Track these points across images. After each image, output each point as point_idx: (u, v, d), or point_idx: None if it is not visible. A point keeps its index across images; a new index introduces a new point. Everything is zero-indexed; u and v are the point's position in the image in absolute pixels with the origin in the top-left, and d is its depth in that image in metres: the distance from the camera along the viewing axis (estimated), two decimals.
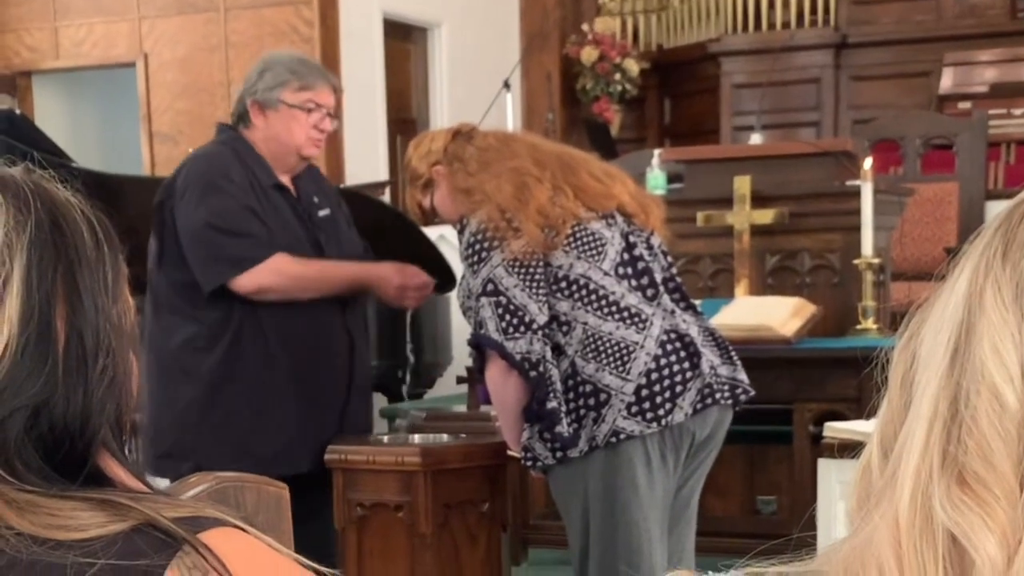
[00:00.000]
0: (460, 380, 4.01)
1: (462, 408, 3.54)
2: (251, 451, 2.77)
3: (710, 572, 0.67)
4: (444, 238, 4.98)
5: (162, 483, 2.26)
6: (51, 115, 7.85)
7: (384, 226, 4.45)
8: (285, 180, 2.91)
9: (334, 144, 6.93)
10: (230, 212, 2.78)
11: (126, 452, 0.89)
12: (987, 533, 0.57)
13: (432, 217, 2.77)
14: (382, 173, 7.40)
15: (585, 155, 2.72)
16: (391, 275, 2.95)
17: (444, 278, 4.92)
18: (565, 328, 2.51)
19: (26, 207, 0.86)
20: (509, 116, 6.67)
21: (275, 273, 2.79)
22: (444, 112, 7.93)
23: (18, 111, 5.47)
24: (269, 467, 2.66)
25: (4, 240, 0.84)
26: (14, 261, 0.84)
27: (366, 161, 7.31)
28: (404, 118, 7.95)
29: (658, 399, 2.47)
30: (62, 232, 0.87)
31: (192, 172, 2.83)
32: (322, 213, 2.96)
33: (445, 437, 2.95)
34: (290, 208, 2.89)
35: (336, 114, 2.98)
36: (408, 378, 4.71)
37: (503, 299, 2.49)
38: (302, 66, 2.91)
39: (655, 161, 4.50)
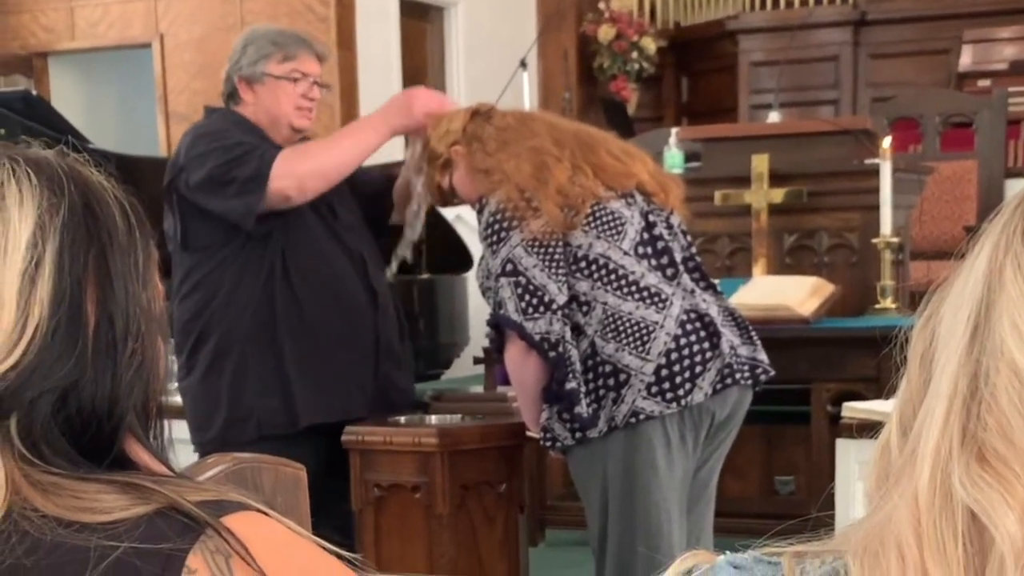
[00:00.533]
0: (477, 361, 4.00)
1: (479, 389, 3.53)
2: (300, 402, 2.79)
3: (728, 552, 0.66)
4: (461, 218, 4.97)
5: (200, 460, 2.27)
6: (67, 96, 7.86)
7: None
8: None
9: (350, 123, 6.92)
10: (227, 148, 2.77)
11: (151, 437, 0.90)
12: (1007, 510, 0.57)
13: (451, 197, 2.75)
14: (398, 153, 7.38)
15: (604, 134, 2.71)
16: (412, 97, 2.88)
17: (461, 259, 4.93)
18: (584, 308, 2.50)
19: (60, 190, 0.86)
20: (526, 95, 6.64)
21: (300, 158, 2.76)
22: (460, 91, 7.90)
23: (34, 92, 5.47)
24: (328, 413, 2.75)
25: (37, 222, 0.84)
26: (47, 244, 0.84)
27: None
28: None
29: (678, 379, 2.47)
30: (95, 216, 0.87)
31: (190, 140, 2.83)
32: None
33: (462, 418, 2.94)
34: None
35: (324, 82, 2.95)
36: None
37: (522, 279, 2.48)
38: (283, 37, 2.90)
39: (672, 140, 4.48)
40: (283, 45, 2.86)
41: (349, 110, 6.89)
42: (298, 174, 2.75)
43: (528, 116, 2.73)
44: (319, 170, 2.79)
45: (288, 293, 2.82)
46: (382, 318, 2.95)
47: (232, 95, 2.89)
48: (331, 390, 2.84)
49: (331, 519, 2.81)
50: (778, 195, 3.93)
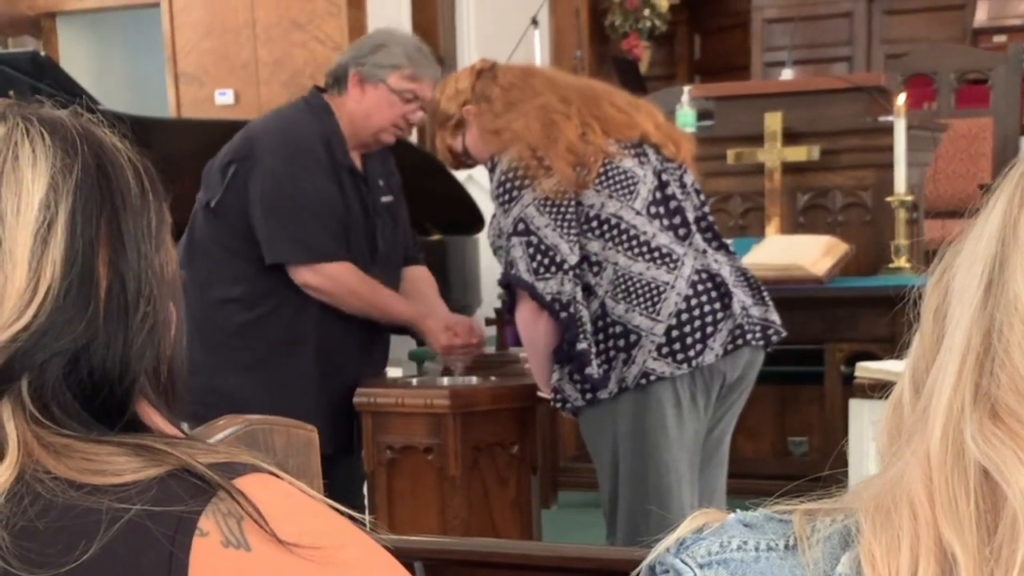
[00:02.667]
0: (489, 322, 4.01)
1: (491, 350, 3.53)
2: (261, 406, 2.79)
3: (738, 510, 0.66)
4: (472, 179, 4.95)
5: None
6: (76, 57, 7.83)
7: (412, 168, 4.42)
8: (355, 157, 2.86)
9: None
10: (317, 195, 2.74)
11: (163, 400, 0.89)
12: (1019, 466, 0.57)
13: (464, 159, 2.73)
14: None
15: (609, 87, 2.69)
16: (438, 333, 2.90)
17: (472, 220, 4.92)
18: (596, 268, 2.49)
19: (73, 150, 0.85)
20: (537, 54, 6.60)
21: (335, 281, 2.77)
22: (471, 50, 7.85)
23: (43, 53, 5.45)
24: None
25: (50, 183, 0.84)
26: (60, 204, 0.83)
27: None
28: None
29: (688, 340, 2.46)
30: (108, 177, 0.86)
31: (275, 140, 2.77)
32: (384, 199, 2.91)
33: (474, 379, 2.94)
34: (356, 192, 2.84)
35: (427, 109, 2.91)
36: None
37: (534, 239, 2.47)
38: (419, 54, 2.85)
39: (685, 98, 4.45)
40: (415, 63, 2.82)
41: None
42: (322, 287, 2.77)
43: (529, 72, 2.70)
44: (339, 301, 2.79)
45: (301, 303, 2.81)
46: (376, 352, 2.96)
47: (339, 82, 2.83)
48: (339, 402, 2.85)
49: (340, 481, 2.82)
50: (791, 153, 3.91)
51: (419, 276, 3.04)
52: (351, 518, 0.83)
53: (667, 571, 0.65)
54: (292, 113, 2.86)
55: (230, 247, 2.80)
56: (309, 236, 2.74)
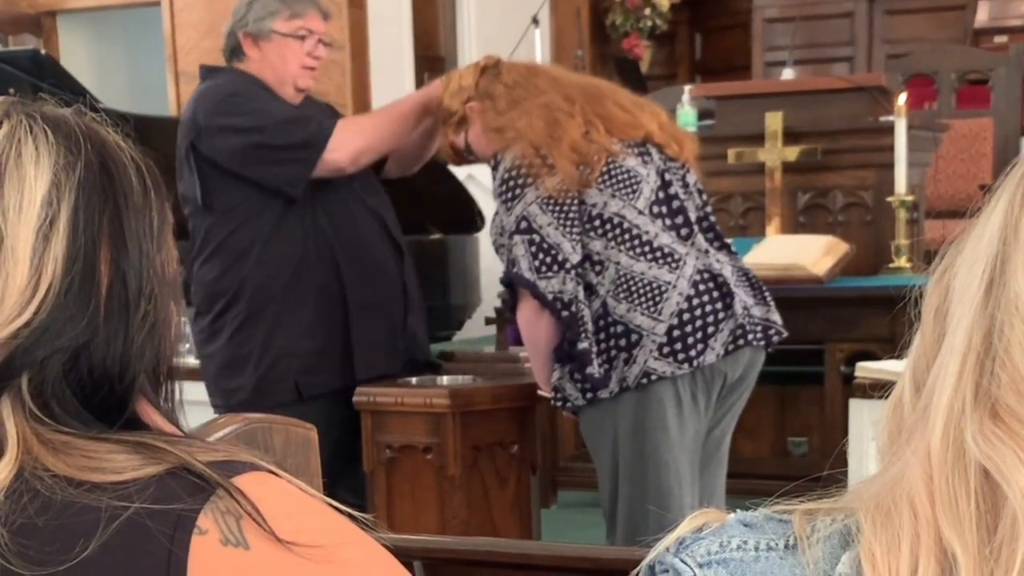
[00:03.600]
0: (489, 321, 4.00)
1: (491, 349, 3.53)
2: (338, 363, 2.80)
3: (738, 510, 0.65)
4: (472, 178, 4.95)
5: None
6: (76, 55, 7.82)
7: None
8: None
9: (360, 82, 6.88)
10: (274, 109, 2.75)
11: (163, 399, 0.89)
12: (1020, 466, 0.56)
13: (466, 155, 2.73)
14: None
15: (613, 86, 2.69)
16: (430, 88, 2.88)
17: (472, 218, 4.91)
18: (598, 268, 2.49)
19: (76, 148, 0.86)
20: (538, 53, 6.60)
21: (357, 134, 2.78)
22: (472, 49, 7.84)
23: (43, 51, 5.44)
24: (348, 374, 2.76)
25: (53, 180, 0.84)
26: (62, 202, 0.84)
27: (393, 100, 7.25)
28: (431, 55, 7.87)
29: (690, 340, 2.45)
30: (111, 175, 0.86)
31: (212, 101, 2.79)
32: None
33: (473, 379, 2.94)
34: None
35: (328, 40, 2.93)
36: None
37: (536, 237, 2.46)
38: None
39: (685, 97, 4.45)
40: (290, 3, 2.83)
41: (360, 69, 6.85)
42: (355, 148, 2.77)
43: (533, 70, 2.70)
44: (374, 145, 2.81)
45: (324, 253, 2.82)
46: (408, 274, 2.96)
47: (235, 52, 2.86)
48: (367, 351, 2.85)
49: (345, 480, 2.82)
50: (792, 153, 3.90)
51: None
52: (351, 517, 0.83)
53: (667, 571, 0.64)
54: (209, 83, 2.89)
55: (233, 232, 2.81)
56: (301, 135, 2.73)
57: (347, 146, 2.76)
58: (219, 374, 2.85)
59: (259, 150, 2.73)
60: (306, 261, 2.81)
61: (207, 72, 2.94)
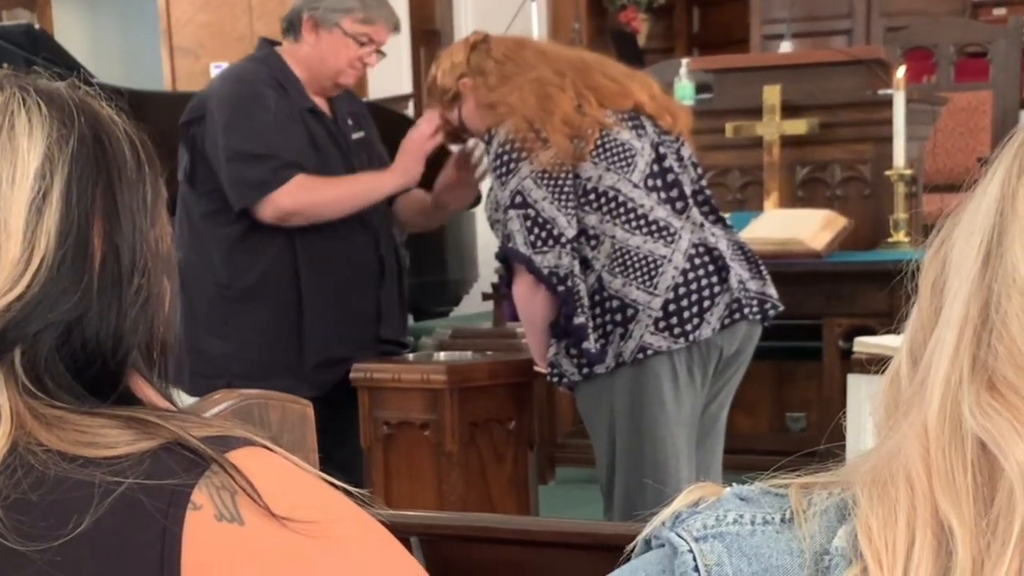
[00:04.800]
0: (486, 297, 3.99)
1: (488, 325, 3.53)
2: (280, 368, 2.77)
3: (734, 484, 0.65)
4: None
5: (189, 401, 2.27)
6: (70, 30, 7.79)
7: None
8: (319, 102, 2.86)
9: None
10: (255, 135, 2.74)
11: (156, 374, 0.89)
12: (1016, 439, 0.56)
13: (460, 133, 2.73)
14: (405, 86, 7.33)
15: (600, 57, 2.69)
16: (409, 164, 2.85)
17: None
18: (593, 242, 2.49)
19: (70, 121, 0.85)
20: (535, 26, 6.56)
21: (292, 196, 2.74)
22: (468, 23, 7.81)
23: (37, 26, 5.42)
24: (298, 386, 2.68)
25: (46, 154, 0.83)
26: (55, 175, 0.83)
27: (389, 74, 7.22)
28: (428, 29, 7.85)
29: (685, 314, 2.45)
30: (104, 149, 0.86)
31: (221, 92, 2.79)
32: (356, 136, 2.91)
33: (471, 354, 2.94)
34: (324, 131, 2.84)
35: (384, 52, 2.91)
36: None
37: (532, 211, 2.46)
38: None
39: (683, 71, 4.43)
40: (368, 6, 2.82)
41: None
42: (306, 203, 2.74)
43: (521, 44, 2.70)
44: (326, 209, 2.77)
45: (297, 250, 2.80)
46: (386, 248, 2.93)
47: (292, 27, 2.85)
48: (318, 341, 2.82)
49: (333, 457, 2.81)
50: (790, 127, 3.89)
51: (411, 194, 3.01)
52: (346, 492, 0.83)
53: (663, 545, 0.64)
54: (239, 65, 2.90)
55: (208, 212, 2.80)
56: (255, 173, 2.72)
57: (279, 203, 2.72)
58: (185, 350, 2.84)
59: (230, 161, 2.73)
60: (283, 252, 2.79)
61: (258, 45, 2.93)
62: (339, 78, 2.84)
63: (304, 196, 2.75)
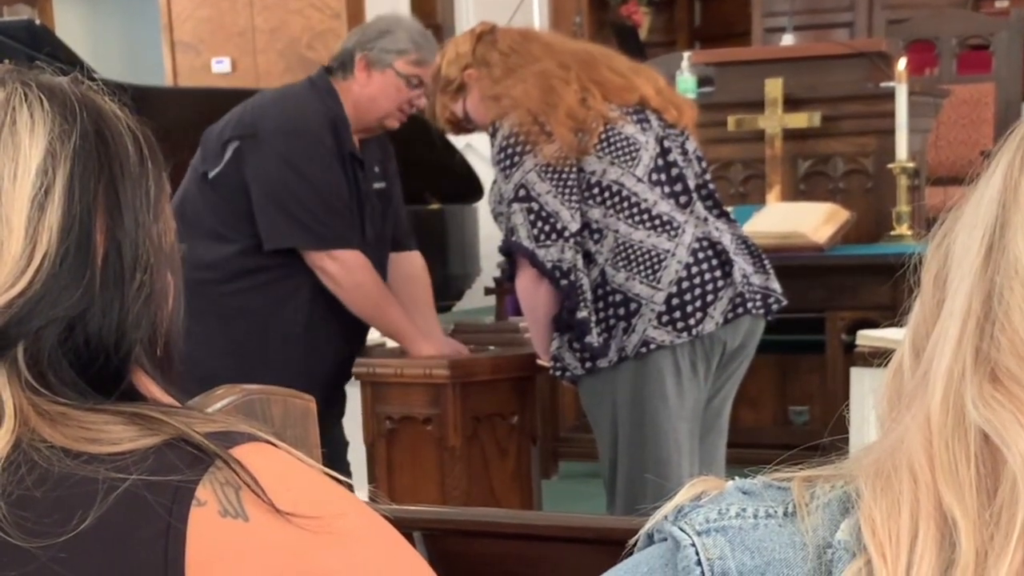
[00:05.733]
0: (488, 291, 3.99)
1: (491, 320, 3.53)
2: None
3: (737, 478, 0.65)
4: (471, 147, 4.93)
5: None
6: (71, 25, 7.79)
7: (411, 135, 4.39)
8: (357, 142, 2.83)
9: None
10: (326, 180, 2.71)
11: (159, 370, 0.88)
12: (1019, 430, 0.56)
13: (465, 124, 2.72)
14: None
15: (607, 51, 2.69)
16: (442, 348, 2.86)
17: (471, 188, 4.91)
18: (596, 236, 2.48)
19: (72, 116, 0.85)
20: (536, 19, 6.56)
21: (347, 270, 2.73)
22: (470, 17, 7.80)
23: (38, 22, 5.41)
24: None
25: (48, 149, 0.83)
26: (57, 171, 0.83)
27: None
28: (429, 23, 7.81)
29: (689, 308, 2.45)
30: (106, 144, 0.85)
31: (281, 121, 2.74)
32: (377, 186, 2.88)
33: (474, 349, 2.93)
34: (352, 175, 2.80)
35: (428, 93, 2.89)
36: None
37: (535, 205, 2.46)
38: (424, 39, 2.84)
39: (685, 64, 4.43)
40: (421, 49, 2.80)
41: None
42: (342, 280, 2.73)
43: (527, 36, 2.69)
44: (361, 300, 2.75)
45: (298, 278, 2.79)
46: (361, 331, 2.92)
47: (345, 66, 2.80)
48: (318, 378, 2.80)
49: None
50: (792, 120, 3.89)
51: (412, 271, 2.98)
52: (349, 487, 0.83)
53: (665, 539, 0.64)
54: (299, 93, 2.84)
55: (222, 220, 2.78)
56: (321, 223, 2.70)
57: (335, 269, 2.72)
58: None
59: (279, 197, 2.70)
60: (265, 285, 2.77)
61: (318, 74, 2.86)
62: (386, 120, 2.82)
63: (351, 278, 2.73)
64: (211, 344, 2.72)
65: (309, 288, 2.77)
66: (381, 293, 2.79)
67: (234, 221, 2.76)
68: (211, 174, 2.76)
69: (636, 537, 0.67)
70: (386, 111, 2.80)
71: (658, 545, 0.65)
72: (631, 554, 0.67)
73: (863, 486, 0.61)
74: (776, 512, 0.63)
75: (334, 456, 2.81)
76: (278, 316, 2.79)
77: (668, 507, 0.65)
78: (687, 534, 0.63)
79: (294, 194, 2.70)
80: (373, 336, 3.02)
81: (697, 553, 0.62)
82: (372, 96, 2.79)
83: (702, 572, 0.62)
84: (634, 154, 2.51)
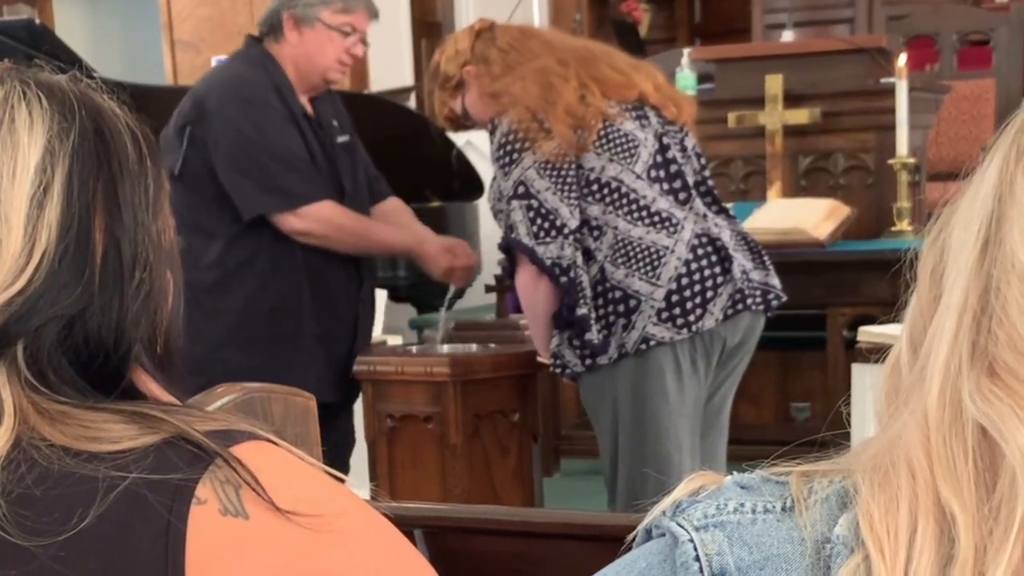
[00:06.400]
0: (488, 289, 4.00)
1: (491, 317, 3.53)
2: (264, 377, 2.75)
3: (735, 472, 0.65)
4: (471, 144, 4.93)
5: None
6: (71, 24, 7.78)
7: (410, 133, 4.40)
8: (305, 103, 2.84)
9: None
10: (281, 141, 2.72)
11: (159, 368, 0.88)
12: (1017, 424, 0.56)
13: (464, 121, 2.72)
14: (407, 78, 7.31)
15: (607, 48, 2.69)
16: (439, 256, 2.89)
17: (471, 186, 4.90)
18: (596, 233, 2.48)
19: (71, 114, 0.85)
20: (536, 17, 6.56)
21: (323, 221, 2.75)
22: (469, 14, 7.78)
23: (38, 21, 5.41)
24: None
25: (47, 147, 0.83)
26: (56, 169, 0.83)
27: (390, 66, 7.22)
28: (429, 20, 7.83)
29: (688, 305, 2.45)
30: (105, 142, 0.85)
31: (228, 93, 2.75)
32: (340, 139, 2.89)
33: (474, 347, 2.94)
34: (314, 136, 2.82)
35: (368, 41, 2.90)
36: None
37: (534, 202, 2.46)
38: None
39: (685, 61, 4.42)
40: None
41: None
42: (312, 230, 2.74)
43: (527, 33, 2.69)
44: (331, 241, 2.76)
45: (290, 274, 2.79)
46: (364, 305, 2.93)
47: (274, 29, 2.81)
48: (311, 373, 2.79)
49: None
50: (793, 116, 3.89)
51: (394, 208, 3.01)
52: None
53: (663, 534, 0.64)
54: (234, 65, 2.86)
55: (202, 214, 2.78)
56: (283, 183, 2.71)
57: (306, 223, 2.73)
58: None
59: (241, 166, 2.71)
60: (268, 265, 2.78)
61: (247, 43, 2.88)
62: (328, 74, 2.82)
63: (331, 224, 2.75)
64: (238, 345, 2.73)
65: (303, 259, 2.78)
66: (360, 223, 2.81)
67: (210, 210, 2.76)
68: (176, 169, 2.77)
69: (634, 533, 0.67)
70: (325, 66, 2.80)
71: (656, 541, 0.65)
72: (629, 550, 0.67)
73: (861, 481, 0.61)
74: (774, 507, 0.63)
75: (340, 444, 2.81)
76: (284, 303, 2.79)
77: (666, 502, 0.65)
78: (685, 530, 0.63)
79: (253, 158, 2.71)
80: (374, 335, 3.02)
81: (695, 548, 0.62)
82: (307, 54, 2.79)
83: (700, 568, 0.62)
84: (633, 151, 2.51)
